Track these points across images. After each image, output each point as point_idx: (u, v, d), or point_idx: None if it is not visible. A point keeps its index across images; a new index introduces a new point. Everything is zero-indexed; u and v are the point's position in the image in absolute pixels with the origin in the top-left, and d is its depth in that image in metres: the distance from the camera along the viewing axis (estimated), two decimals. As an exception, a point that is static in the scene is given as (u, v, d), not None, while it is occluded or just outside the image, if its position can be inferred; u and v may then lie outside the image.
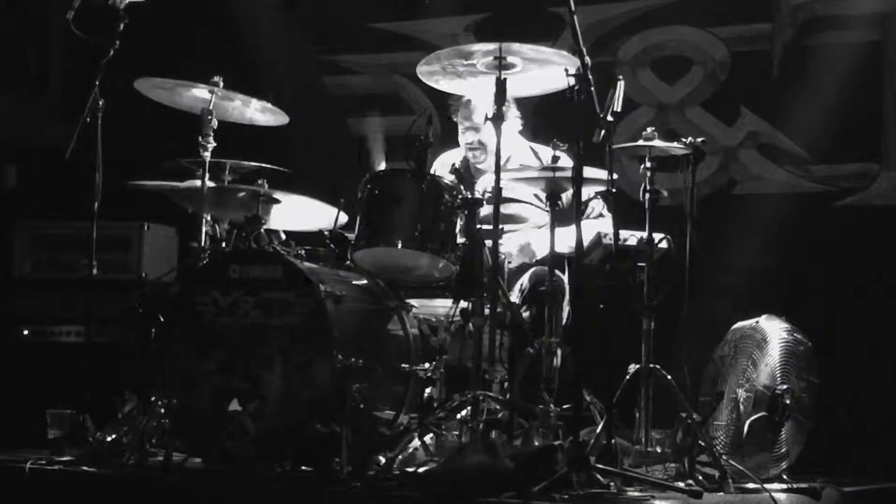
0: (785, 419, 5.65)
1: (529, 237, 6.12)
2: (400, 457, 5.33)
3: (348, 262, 5.68)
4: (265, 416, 5.30)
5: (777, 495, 5.20)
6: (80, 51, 6.74)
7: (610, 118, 5.12)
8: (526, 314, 5.87)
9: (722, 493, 5.15)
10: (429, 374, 5.57)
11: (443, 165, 6.42)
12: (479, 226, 5.52)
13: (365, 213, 5.58)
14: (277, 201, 5.82)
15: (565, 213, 5.59)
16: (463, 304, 5.52)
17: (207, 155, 5.96)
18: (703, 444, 5.31)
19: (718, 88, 7.68)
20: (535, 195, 5.82)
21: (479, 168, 6.36)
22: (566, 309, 5.87)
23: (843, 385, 6.66)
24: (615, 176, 5.26)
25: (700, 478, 5.24)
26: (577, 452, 4.81)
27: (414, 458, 5.36)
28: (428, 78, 5.74)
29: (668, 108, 7.76)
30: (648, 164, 5.63)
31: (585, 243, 5.37)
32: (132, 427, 5.63)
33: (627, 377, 5.49)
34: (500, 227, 5.44)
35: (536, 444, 5.18)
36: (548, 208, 5.58)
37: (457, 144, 6.52)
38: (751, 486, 5.27)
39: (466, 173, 5.95)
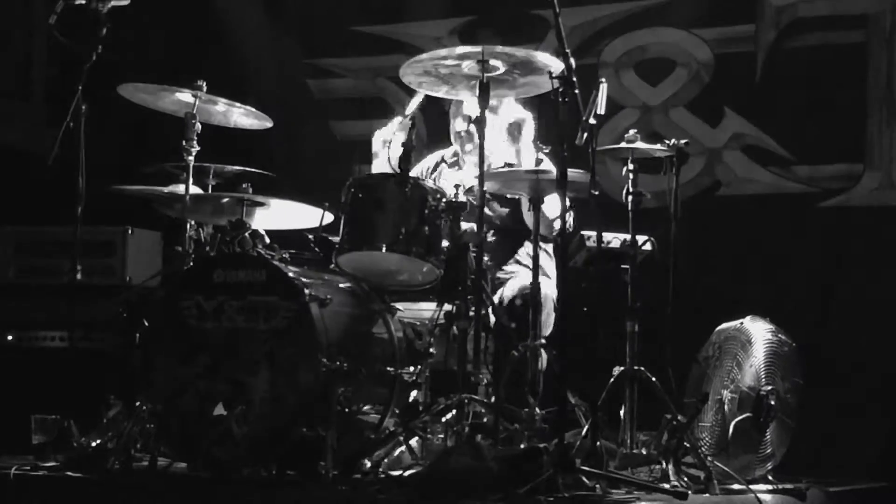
0: (770, 420, 5.66)
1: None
2: (385, 460, 5.33)
3: (333, 266, 5.67)
4: (250, 421, 5.29)
5: (762, 496, 5.21)
6: (63, 56, 6.74)
7: (593, 121, 5.12)
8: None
9: (707, 495, 5.16)
10: (414, 378, 5.57)
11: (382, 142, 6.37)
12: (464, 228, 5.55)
13: (349, 216, 5.58)
14: (262, 204, 5.81)
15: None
16: (447, 307, 5.52)
17: (191, 159, 5.96)
18: (688, 445, 5.32)
19: (702, 90, 7.69)
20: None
21: (467, 154, 6.35)
22: (549, 320, 5.85)
23: (828, 385, 6.68)
24: (598, 178, 5.26)
25: (685, 479, 5.25)
26: (562, 455, 4.80)
27: (399, 461, 5.36)
28: (413, 82, 5.75)
29: (652, 110, 7.76)
30: (631, 166, 5.63)
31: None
32: (117, 432, 5.61)
33: (612, 379, 5.50)
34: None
35: (521, 446, 5.18)
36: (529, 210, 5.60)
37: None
38: (736, 486, 5.28)
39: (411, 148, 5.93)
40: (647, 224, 5.67)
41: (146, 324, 5.71)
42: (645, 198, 5.63)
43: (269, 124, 6.21)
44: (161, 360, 5.52)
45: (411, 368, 5.60)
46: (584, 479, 4.84)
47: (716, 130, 7.63)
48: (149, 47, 8.01)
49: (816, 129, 7.35)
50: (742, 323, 5.74)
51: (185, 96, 5.97)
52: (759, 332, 5.72)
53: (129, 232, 7.14)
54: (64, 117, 5.91)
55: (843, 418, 6.84)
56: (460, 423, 5.28)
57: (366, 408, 5.51)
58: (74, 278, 6.01)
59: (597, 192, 5.11)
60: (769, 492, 5.39)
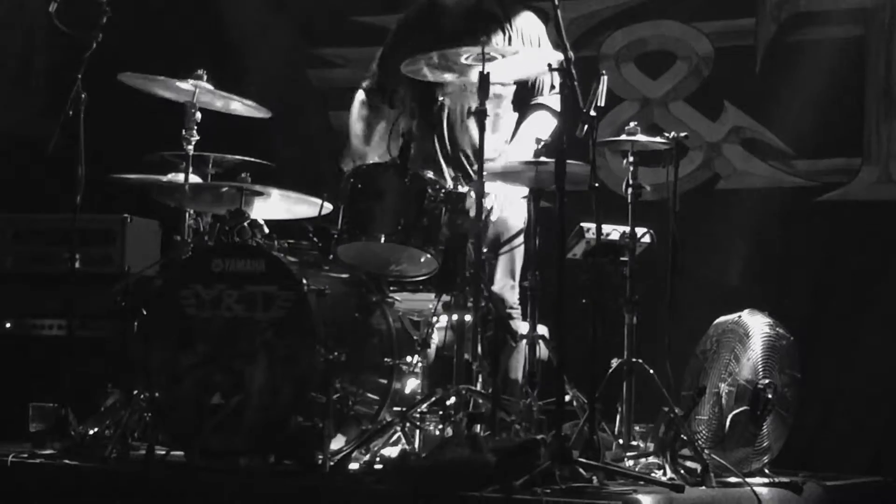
0: (767, 413, 5.65)
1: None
2: (382, 451, 5.34)
3: (331, 256, 5.67)
4: (248, 411, 5.30)
5: (759, 489, 5.21)
6: (63, 44, 6.73)
7: (593, 113, 5.12)
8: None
9: (704, 488, 5.16)
10: (412, 369, 5.58)
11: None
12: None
13: (348, 207, 5.58)
14: (261, 194, 5.81)
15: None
16: (446, 297, 5.52)
17: (191, 148, 5.95)
18: (685, 438, 5.32)
19: (702, 83, 7.69)
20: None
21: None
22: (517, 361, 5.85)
23: (826, 379, 6.69)
24: (598, 170, 5.26)
25: (682, 472, 5.25)
26: (559, 446, 4.81)
27: (396, 451, 5.37)
28: (414, 74, 5.75)
29: (652, 103, 7.76)
30: (631, 159, 5.64)
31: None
32: (114, 421, 5.63)
33: (610, 371, 5.50)
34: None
35: (519, 438, 5.18)
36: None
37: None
38: (733, 480, 5.28)
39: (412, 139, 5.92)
40: (646, 217, 5.67)
41: (144, 313, 5.71)
42: (644, 190, 5.64)
43: (266, 115, 6.21)
44: (159, 349, 5.52)
45: (409, 359, 5.60)
46: (581, 470, 4.85)
47: (715, 124, 7.62)
48: (149, 35, 7.99)
49: (815, 123, 7.34)
50: (740, 316, 5.74)
51: (186, 85, 5.96)
52: (756, 325, 5.71)
53: (128, 220, 7.14)
54: (63, 105, 5.91)
55: (840, 412, 6.85)
56: (458, 414, 5.28)
57: (363, 398, 5.51)
58: (73, 267, 6.00)
59: (597, 185, 5.11)
60: (766, 485, 5.39)
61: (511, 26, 6.13)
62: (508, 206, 5.97)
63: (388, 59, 6.16)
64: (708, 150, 7.60)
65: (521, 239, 6.01)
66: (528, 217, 5.83)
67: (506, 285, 5.98)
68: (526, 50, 5.81)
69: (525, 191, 5.90)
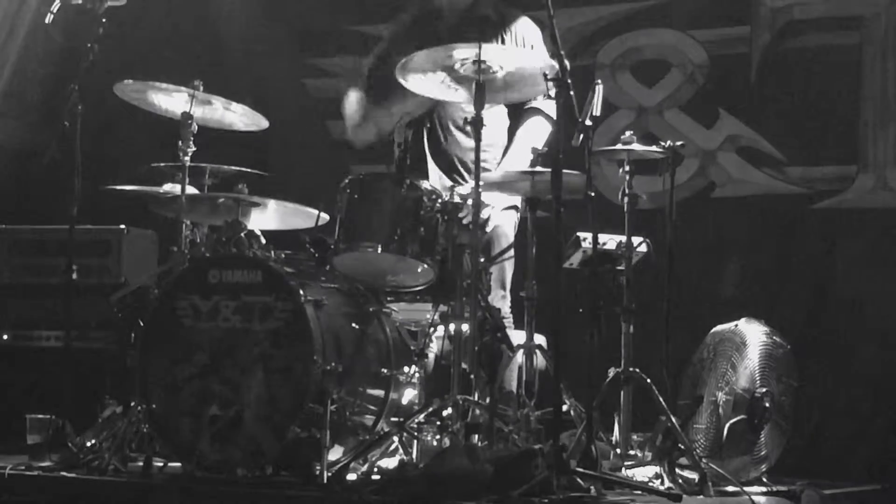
0: (764, 422, 5.66)
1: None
2: (380, 461, 5.34)
3: (328, 267, 5.67)
4: (245, 421, 5.29)
5: (757, 498, 5.21)
6: (59, 55, 6.74)
7: (589, 122, 5.13)
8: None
9: (702, 497, 5.16)
10: (409, 379, 5.58)
11: None
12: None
13: (345, 217, 5.58)
14: (257, 205, 5.81)
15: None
16: (443, 307, 5.52)
17: (187, 159, 5.95)
18: (682, 447, 5.33)
19: (697, 91, 7.70)
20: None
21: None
22: (512, 372, 5.84)
23: (823, 387, 6.69)
24: (594, 180, 5.26)
25: (680, 481, 5.25)
26: (556, 456, 4.81)
27: (394, 462, 5.37)
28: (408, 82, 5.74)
29: (647, 112, 7.77)
30: (627, 168, 5.64)
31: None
32: (112, 432, 5.61)
33: (607, 381, 5.50)
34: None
35: (517, 447, 5.18)
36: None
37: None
38: (730, 489, 5.29)
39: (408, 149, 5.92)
40: (642, 225, 5.68)
41: (142, 324, 5.71)
42: (640, 199, 5.64)
43: (265, 124, 6.21)
44: (156, 360, 5.51)
45: (406, 369, 5.60)
46: (579, 480, 4.85)
47: (710, 132, 7.63)
48: (145, 47, 8.00)
49: (811, 130, 7.36)
50: (737, 325, 5.75)
51: (182, 96, 5.96)
52: (753, 334, 5.72)
53: (125, 231, 7.14)
54: (60, 116, 5.91)
55: (837, 420, 6.85)
56: (455, 425, 5.28)
57: (360, 409, 5.51)
58: (70, 278, 6.00)
59: (592, 194, 5.11)
60: (763, 494, 5.40)
61: (507, 31, 6.14)
62: (498, 215, 5.99)
63: (387, 57, 6.15)
64: (703, 158, 7.62)
65: (511, 249, 6.02)
66: (524, 226, 5.83)
67: (496, 295, 5.98)
68: (520, 51, 5.79)
69: (510, 201, 5.93)
